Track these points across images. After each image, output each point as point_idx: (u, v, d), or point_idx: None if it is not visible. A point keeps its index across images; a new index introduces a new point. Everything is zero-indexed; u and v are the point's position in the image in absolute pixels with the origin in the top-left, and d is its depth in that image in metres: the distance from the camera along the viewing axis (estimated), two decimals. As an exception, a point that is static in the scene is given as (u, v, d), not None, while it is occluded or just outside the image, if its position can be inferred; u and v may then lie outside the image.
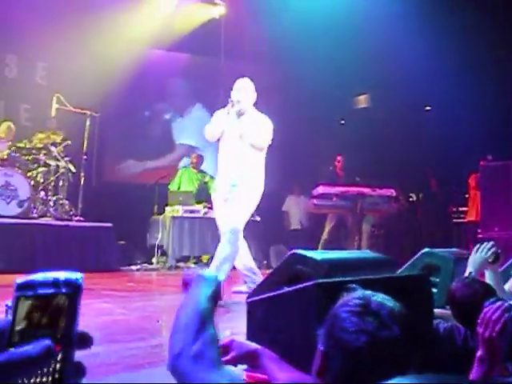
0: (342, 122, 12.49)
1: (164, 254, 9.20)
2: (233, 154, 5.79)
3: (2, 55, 10.02)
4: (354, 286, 1.38)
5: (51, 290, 0.80)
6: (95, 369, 2.80)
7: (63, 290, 0.80)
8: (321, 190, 7.85)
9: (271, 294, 2.33)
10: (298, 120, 11.53)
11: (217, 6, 11.63)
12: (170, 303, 5.48)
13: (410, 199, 11.38)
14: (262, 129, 5.84)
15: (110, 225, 8.30)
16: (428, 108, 11.98)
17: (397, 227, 10.86)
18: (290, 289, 2.19)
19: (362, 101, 12.67)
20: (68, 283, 0.82)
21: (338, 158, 10.24)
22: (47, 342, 0.76)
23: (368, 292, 1.33)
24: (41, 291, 0.80)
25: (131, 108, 11.05)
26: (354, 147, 10.67)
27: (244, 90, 5.84)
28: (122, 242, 8.96)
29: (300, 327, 2.06)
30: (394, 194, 8.24)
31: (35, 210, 8.25)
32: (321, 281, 1.98)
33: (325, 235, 9.83)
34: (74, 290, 0.81)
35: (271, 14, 10.55)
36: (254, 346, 1.69)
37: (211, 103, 10.78)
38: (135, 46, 10.62)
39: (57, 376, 0.77)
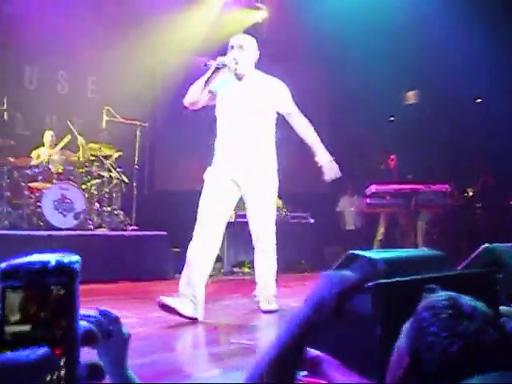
0: (392, 118, 12.32)
1: (219, 259, 9.22)
2: (243, 128, 4.85)
3: (53, 72, 10.27)
4: (433, 286, 1.31)
5: (42, 279, 0.68)
6: (153, 378, 2.80)
7: (56, 279, 0.68)
8: (374, 188, 7.74)
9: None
10: (347, 119, 11.44)
11: (259, 11, 11.65)
12: (226, 311, 5.48)
13: (466, 194, 11.13)
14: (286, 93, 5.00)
15: (164, 233, 8.38)
16: (479, 100, 11.70)
17: (452, 223, 10.63)
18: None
19: (411, 97, 12.48)
20: (61, 269, 0.68)
21: (392, 156, 10.10)
22: (45, 349, 0.65)
23: (452, 293, 1.26)
24: (29, 281, 0.68)
25: (180, 116, 11.12)
26: (404, 144, 10.51)
27: (241, 48, 4.89)
28: (177, 250, 9.02)
29: (360, 329, 2.02)
30: (449, 190, 8.06)
31: (91, 222, 8.40)
32: (381, 281, 1.93)
33: (379, 235, 9.71)
34: (70, 278, 0.68)
35: (314, 14, 10.50)
36: (314, 352, 1.65)
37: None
38: (181, 55, 10.71)
39: None
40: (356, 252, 2.50)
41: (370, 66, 10.66)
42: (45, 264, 0.69)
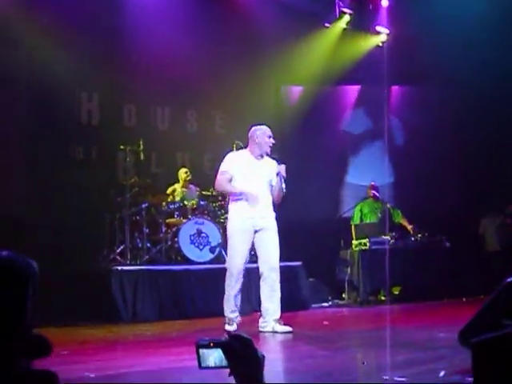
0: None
1: (355, 288, 9.08)
2: (259, 190, 6.21)
3: (183, 111, 10.67)
4: None
5: None
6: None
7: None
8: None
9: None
10: (476, 138, 10.98)
11: (379, 34, 11.49)
12: (368, 342, 5.34)
13: None
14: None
15: (299, 263, 8.39)
16: None
17: None
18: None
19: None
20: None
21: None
22: None
23: None
24: None
25: (309, 146, 11.15)
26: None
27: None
28: (312, 279, 8.99)
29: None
30: None
31: (226, 255, 8.53)
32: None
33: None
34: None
35: (434, 33, 10.26)
36: None
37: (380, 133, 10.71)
38: (305, 84, 10.80)
39: None
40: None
41: (498, 83, 10.23)
42: None
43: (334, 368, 4.25)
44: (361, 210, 10.13)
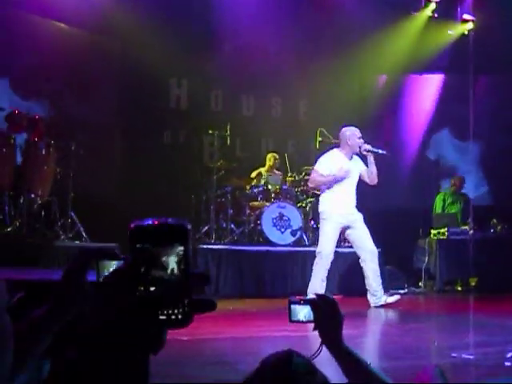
0: None
1: (431, 277, 9.18)
2: (349, 188, 6.87)
3: (268, 98, 11.01)
4: None
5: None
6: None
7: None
8: None
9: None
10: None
11: (466, 23, 11.36)
12: (443, 326, 5.52)
13: None
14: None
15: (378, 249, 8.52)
16: None
17: None
18: None
19: None
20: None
21: None
22: None
23: None
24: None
25: (387, 133, 11.24)
26: None
27: None
28: (389, 267, 9.12)
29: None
30: None
31: (307, 238, 8.84)
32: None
33: None
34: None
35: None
36: None
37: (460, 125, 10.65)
38: (389, 73, 10.88)
39: None
40: None
41: None
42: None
43: (406, 345, 4.48)
44: (444, 200, 10.20)
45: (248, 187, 9.06)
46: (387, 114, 11.03)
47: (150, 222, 0.99)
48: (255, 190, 9.03)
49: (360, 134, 6.88)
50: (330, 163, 6.86)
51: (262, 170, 9.53)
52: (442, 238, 9.22)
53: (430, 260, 9.18)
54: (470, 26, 11.29)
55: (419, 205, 10.37)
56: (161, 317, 0.96)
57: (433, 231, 9.40)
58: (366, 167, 6.91)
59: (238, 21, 9.74)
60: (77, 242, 7.34)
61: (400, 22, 11.04)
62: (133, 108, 9.72)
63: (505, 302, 7.16)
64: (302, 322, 1.76)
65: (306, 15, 10.35)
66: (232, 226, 8.90)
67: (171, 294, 0.96)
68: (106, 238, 6.54)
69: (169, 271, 0.97)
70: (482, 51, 10.68)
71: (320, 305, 1.73)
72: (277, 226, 8.51)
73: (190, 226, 1.01)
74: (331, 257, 6.76)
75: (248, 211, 8.85)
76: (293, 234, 8.54)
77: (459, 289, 9.22)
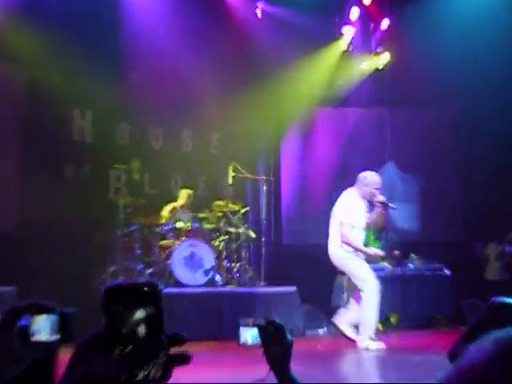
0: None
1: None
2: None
3: (178, 132, 10.45)
4: None
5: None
6: None
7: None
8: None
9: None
10: (479, 160, 10.80)
11: (381, 55, 11.34)
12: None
13: None
14: None
15: (293, 288, 8.16)
16: None
17: None
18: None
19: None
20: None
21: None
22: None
23: None
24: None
25: (305, 169, 10.97)
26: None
27: None
28: (307, 306, 8.75)
29: None
30: None
31: (220, 278, 8.34)
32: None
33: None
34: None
35: (438, 56, 10.18)
36: None
37: (377, 157, 10.49)
38: (304, 106, 10.64)
39: None
40: (505, 300, 2.08)
41: (499, 103, 10.11)
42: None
43: None
44: (367, 236, 9.96)
45: (157, 225, 8.48)
46: (303, 147, 10.75)
47: (122, 284, 1.00)
48: (165, 228, 8.48)
49: (380, 186, 6.85)
50: (356, 211, 6.86)
51: (176, 204, 8.94)
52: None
53: (349, 298, 8.84)
54: (385, 58, 11.27)
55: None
56: (138, 377, 0.95)
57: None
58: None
59: (147, 49, 9.30)
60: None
61: (316, 55, 10.90)
62: (32, 139, 8.95)
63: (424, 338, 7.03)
64: (251, 344, 1.85)
65: (217, 46, 10.00)
66: (141, 266, 8.28)
67: (145, 353, 0.96)
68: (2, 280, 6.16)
69: (141, 332, 0.97)
70: (398, 84, 10.70)
71: (267, 329, 1.75)
72: (188, 266, 7.97)
73: (161, 287, 1.01)
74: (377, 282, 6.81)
75: (158, 250, 8.27)
76: (205, 273, 8.02)
77: (380, 327, 8.92)
